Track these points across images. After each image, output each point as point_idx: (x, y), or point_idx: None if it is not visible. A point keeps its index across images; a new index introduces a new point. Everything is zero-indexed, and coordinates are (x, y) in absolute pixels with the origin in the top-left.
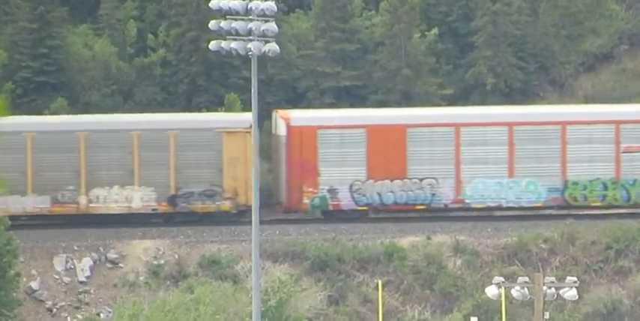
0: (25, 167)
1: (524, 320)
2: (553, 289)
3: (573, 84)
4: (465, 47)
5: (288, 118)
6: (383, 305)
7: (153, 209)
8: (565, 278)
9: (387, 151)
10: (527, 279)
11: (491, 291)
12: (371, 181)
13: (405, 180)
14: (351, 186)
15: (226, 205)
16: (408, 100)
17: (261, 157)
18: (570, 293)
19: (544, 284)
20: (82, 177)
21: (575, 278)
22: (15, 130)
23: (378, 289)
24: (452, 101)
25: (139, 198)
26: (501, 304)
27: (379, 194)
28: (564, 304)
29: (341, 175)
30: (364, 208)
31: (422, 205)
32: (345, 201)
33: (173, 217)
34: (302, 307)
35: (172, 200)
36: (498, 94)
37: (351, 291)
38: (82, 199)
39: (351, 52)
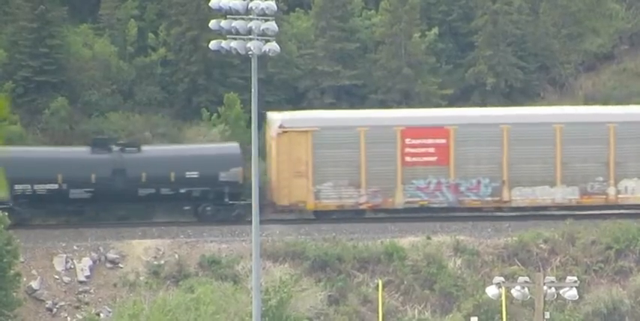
0: (554, 159)
1: (524, 320)
2: (553, 289)
3: (573, 84)
4: (465, 47)
5: None
6: (383, 305)
7: None
8: (565, 278)
9: None
10: (527, 279)
11: (491, 291)
12: None
13: None
14: None
15: None
16: (407, 99)
17: None
18: (570, 293)
19: (544, 284)
20: (611, 168)
21: (575, 278)
22: (545, 121)
23: (378, 289)
24: (452, 101)
25: None
26: (502, 304)
27: None
28: (565, 304)
29: None
30: None
31: None
32: None
33: None
34: (302, 307)
35: None
36: (498, 93)
37: (351, 291)
38: (611, 190)
39: (351, 51)
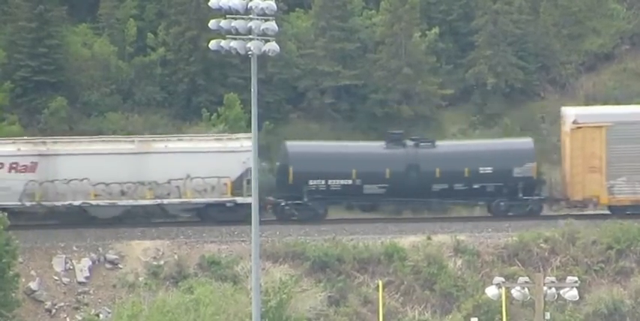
0: None
1: None
2: (554, 290)
3: (574, 84)
4: (465, 46)
5: None
6: (383, 306)
7: None
8: (566, 278)
9: None
10: (527, 279)
11: (491, 291)
12: None
13: None
14: None
15: None
16: (408, 99)
17: None
18: (571, 293)
19: (545, 284)
20: None
21: (575, 278)
22: None
23: (378, 290)
24: (452, 101)
25: None
26: (502, 305)
27: None
28: (565, 305)
29: None
30: None
31: None
32: None
33: None
34: (302, 307)
35: None
36: (499, 93)
37: (351, 291)
38: None
39: (351, 51)
